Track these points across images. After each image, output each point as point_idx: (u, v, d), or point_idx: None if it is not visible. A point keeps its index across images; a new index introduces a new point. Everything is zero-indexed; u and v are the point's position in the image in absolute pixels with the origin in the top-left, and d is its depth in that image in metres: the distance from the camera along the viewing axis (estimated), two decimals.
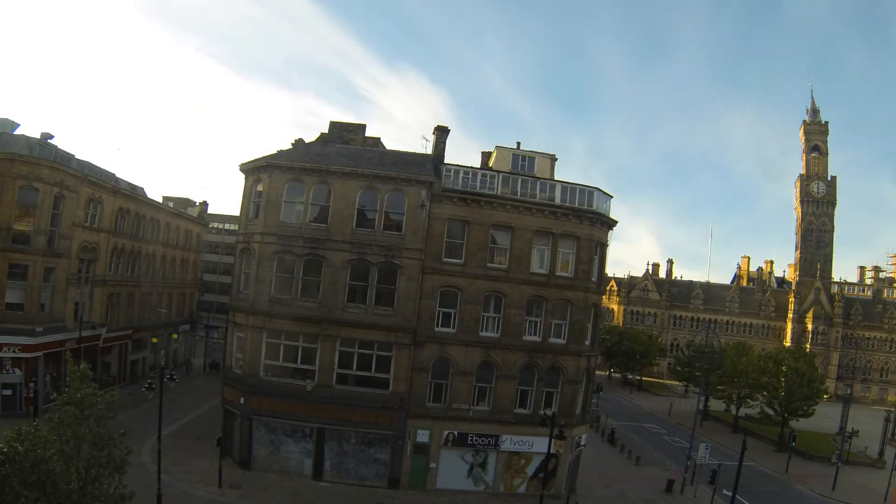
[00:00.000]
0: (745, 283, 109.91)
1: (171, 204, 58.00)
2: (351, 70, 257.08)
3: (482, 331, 29.51)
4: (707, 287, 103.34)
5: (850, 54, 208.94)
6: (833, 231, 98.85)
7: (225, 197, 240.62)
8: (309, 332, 28.49)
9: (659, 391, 78.85)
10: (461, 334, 29.20)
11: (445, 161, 31.30)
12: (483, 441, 29.48)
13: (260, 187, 29.69)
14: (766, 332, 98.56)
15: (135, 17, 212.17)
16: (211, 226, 76.55)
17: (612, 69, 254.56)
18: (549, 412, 27.63)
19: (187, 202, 67.62)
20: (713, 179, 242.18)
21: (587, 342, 31.22)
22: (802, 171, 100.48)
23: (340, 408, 28.12)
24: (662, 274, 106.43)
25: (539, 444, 28.43)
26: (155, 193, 69.12)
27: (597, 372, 37.00)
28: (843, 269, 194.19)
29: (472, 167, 31.02)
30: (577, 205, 30.48)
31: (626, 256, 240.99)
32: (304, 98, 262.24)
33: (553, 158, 34.95)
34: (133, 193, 45.83)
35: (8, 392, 33.00)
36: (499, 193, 29.73)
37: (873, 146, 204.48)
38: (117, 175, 44.38)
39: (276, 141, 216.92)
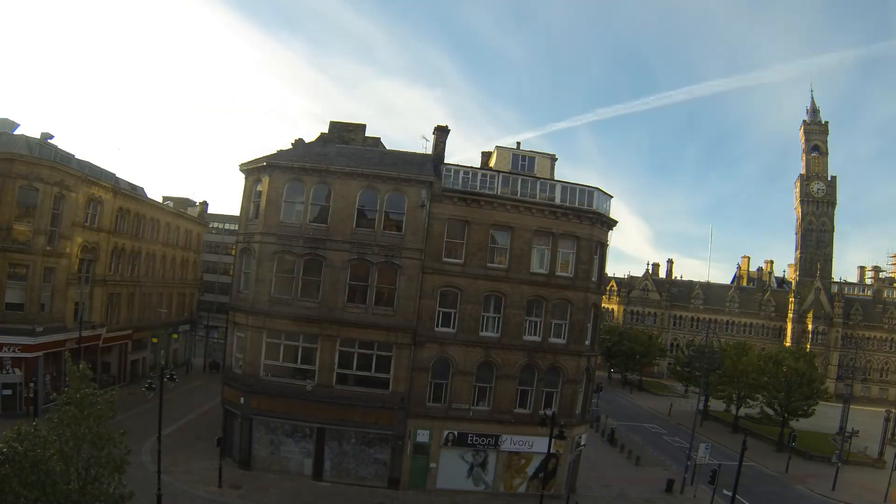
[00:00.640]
0: (745, 283, 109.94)
1: (170, 204, 57.97)
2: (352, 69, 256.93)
3: (482, 331, 29.51)
4: (707, 287, 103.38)
5: (850, 53, 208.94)
6: (833, 231, 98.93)
7: (225, 197, 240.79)
8: (309, 332, 28.49)
9: (659, 391, 78.85)
10: (461, 334, 29.20)
11: (445, 161, 31.31)
12: (483, 441, 29.47)
13: (260, 187, 29.70)
14: (766, 332, 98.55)
15: (135, 16, 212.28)
16: (211, 226, 76.57)
17: (613, 71, 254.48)
18: (549, 412, 27.59)
19: (187, 202, 67.62)
20: (713, 179, 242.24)
21: (587, 342, 31.22)
22: (802, 171, 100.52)
23: (340, 408, 28.12)
24: (662, 274, 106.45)
25: (539, 444, 28.43)
26: (155, 193, 69.21)
27: (597, 372, 36.98)
28: (843, 269, 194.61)
29: (471, 167, 31.03)
30: (577, 205, 30.47)
31: (627, 256, 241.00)
32: (305, 98, 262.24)
33: (553, 158, 34.98)
34: (133, 193, 45.82)
35: (8, 392, 32.98)
36: (499, 193, 29.72)
37: (873, 146, 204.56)
38: (117, 175, 44.40)
39: (276, 141, 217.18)
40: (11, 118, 37.07)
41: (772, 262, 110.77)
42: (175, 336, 55.27)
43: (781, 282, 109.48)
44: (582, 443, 32.56)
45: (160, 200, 55.47)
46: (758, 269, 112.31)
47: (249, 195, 30.56)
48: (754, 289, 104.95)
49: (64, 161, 36.53)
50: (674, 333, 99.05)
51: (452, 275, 29.13)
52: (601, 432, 47.62)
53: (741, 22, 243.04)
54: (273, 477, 28.22)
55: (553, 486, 29.80)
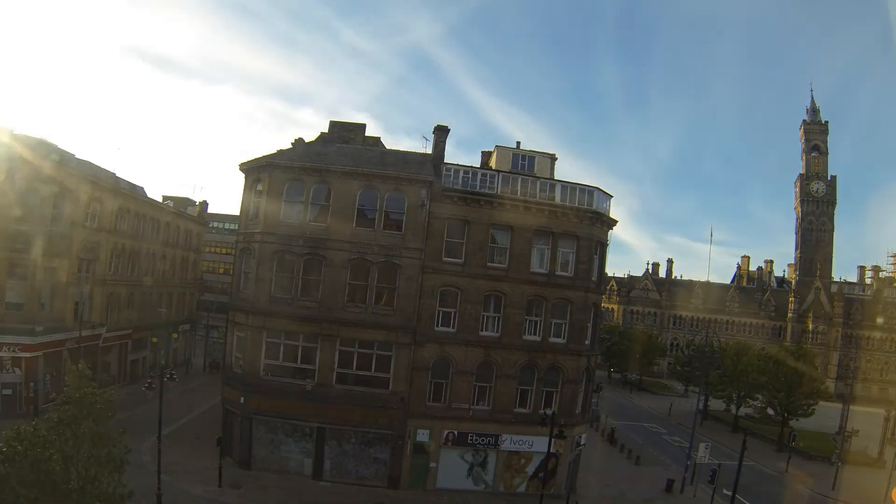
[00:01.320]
0: (744, 283, 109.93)
1: (170, 203, 57.94)
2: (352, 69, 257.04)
3: (482, 330, 29.51)
4: (707, 287, 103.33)
5: (851, 52, 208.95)
6: (833, 231, 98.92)
7: (225, 197, 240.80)
8: (309, 332, 28.48)
9: (659, 391, 78.86)
10: (461, 334, 29.20)
11: (445, 160, 31.31)
12: (483, 440, 29.48)
13: (260, 187, 29.71)
14: (765, 331, 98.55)
15: (135, 16, 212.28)
16: (211, 225, 76.53)
17: (614, 72, 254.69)
18: (549, 412, 27.59)
19: (187, 202, 67.54)
20: (714, 179, 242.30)
21: (587, 342, 31.23)
22: (802, 171, 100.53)
23: (340, 407, 28.12)
24: (662, 273, 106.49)
25: (539, 444, 28.42)
26: (155, 193, 69.14)
27: (596, 371, 36.98)
28: (843, 268, 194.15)
29: (471, 167, 31.04)
30: (577, 204, 30.47)
31: (627, 256, 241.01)
32: (305, 97, 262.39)
33: (553, 158, 34.99)
34: (133, 193, 45.82)
35: (8, 392, 32.97)
36: (499, 193, 29.72)
37: (873, 146, 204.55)
38: (117, 175, 44.39)
39: (276, 140, 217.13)
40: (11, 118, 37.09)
41: (772, 261, 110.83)
42: (175, 336, 55.25)
43: (781, 281, 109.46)
44: (582, 442, 32.57)
45: (160, 200, 55.48)
46: (758, 269, 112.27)
47: (249, 195, 30.56)
48: (754, 289, 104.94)
49: (64, 161, 36.52)
50: (674, 333, 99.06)
51: (452, 274, 29.13)
52: (601, 432, 47.63)
53: (741, 22, 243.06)
54: (273, 476, 28.22)
55: (553, 486, 29.80)
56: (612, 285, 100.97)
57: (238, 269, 31.37)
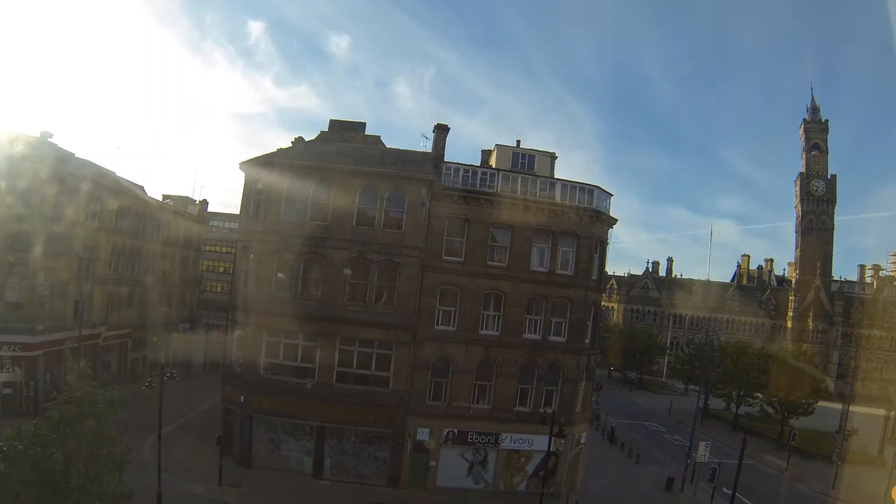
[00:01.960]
0: (745, 282, 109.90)
1: (170, 202, 57.96)
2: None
3: (482, 329, 29.50)
4: (707, 285, 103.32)
5: (851, 52, 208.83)
6: (833, 230, 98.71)
7: (225, 196, 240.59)
8: (309, 331, 28.47)
9: (659, 389, 78.91)
10: (461, 332, 29.19)
11: (445, 159, 31.30)
12: (483, 439, 29.50)
13: (260, 186, 29.68)
14: (765, 330, 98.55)
15: (135, 16, 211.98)
16: (211, 224, 76.50)
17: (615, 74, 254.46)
18: (549, 410, 27.64)
19: (187, 200, 67.51)
20: (713, 179, 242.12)
21: (587, 340, 31.23)
22: (802, 170, 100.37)
23: (340, 406, 28.11)
24: (662, 272, 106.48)
25: (539, 443, 28.44)
26: (155, 192, 69.10)
27: (596, 370, 36.99)
28: (843, 267, 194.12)
29: (471, 165, 31.04)
30: (577, 203, 30.46)
31: (627, 255, 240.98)
32: (304, 97, 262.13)
33: (553, 157, 34.97)
34: (133, 192, 45.81)
35: (8, 391, 32.96)
36: (499, 191, 29.70)
37: (873, 145, 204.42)
38: (117, 174, 44.37)
39: (276, 140, 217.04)
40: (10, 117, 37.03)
41: (772, 260, 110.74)
42: (175, 334, 55.24)
43: (781, 280, 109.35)
44: (582, 441, 32.58)
45: (160, 199, 55.48)
46: (758, 268, 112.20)
47: (249, 194, 30.53)
48: (754, 287, 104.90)
49: (64, 160, 36.49)
50: (674, 332, 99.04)
51: (452, 273, 29.12)
52: (601, 430, 47.65)
53: (741, 22, 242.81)
54: (273, 475, 28.24)
55: (553, 485, 29.81)
56: (613, 284, 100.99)
57: (238, 268, 31.36)
